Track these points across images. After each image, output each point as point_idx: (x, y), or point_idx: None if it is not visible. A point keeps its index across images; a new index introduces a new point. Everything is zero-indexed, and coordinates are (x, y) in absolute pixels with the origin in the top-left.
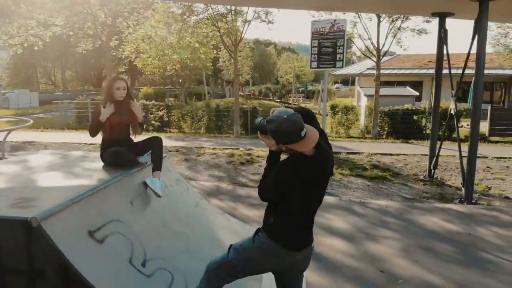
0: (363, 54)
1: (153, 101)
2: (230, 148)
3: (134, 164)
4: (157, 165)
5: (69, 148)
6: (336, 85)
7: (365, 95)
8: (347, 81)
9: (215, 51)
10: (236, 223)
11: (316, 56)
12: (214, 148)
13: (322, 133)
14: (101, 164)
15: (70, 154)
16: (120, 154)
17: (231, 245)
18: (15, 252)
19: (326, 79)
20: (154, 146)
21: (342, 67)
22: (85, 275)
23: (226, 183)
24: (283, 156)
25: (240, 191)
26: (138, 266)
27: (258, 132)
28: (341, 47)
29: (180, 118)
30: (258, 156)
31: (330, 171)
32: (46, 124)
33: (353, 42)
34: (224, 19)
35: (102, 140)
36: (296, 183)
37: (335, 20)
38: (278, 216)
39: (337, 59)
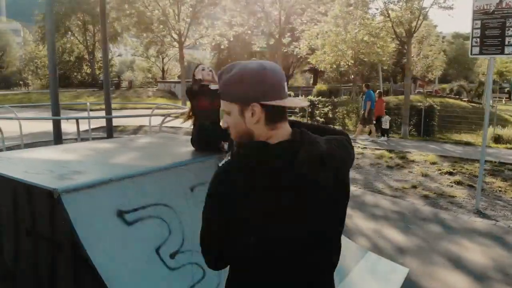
0: None
1: (320, 97)
2: (382, 149)
3: (219, 144)
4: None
5: None
6: None
7: None
8: None
9: (393, 45)
10: None
11: (478, 40)
12: (364, 148)
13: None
14: (192, 149)
15: (175, 138)
16: (207, 129)
17: None
18: (44, 220)
19: (491, 70)
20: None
21: None
22: (91, 254)
23: (357, 186)
24: None
25: (368, 197)
26: (163, 256)
27: None
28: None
29: (345, 115)
30: (413, 161)
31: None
32: None
33: None
34: (398, 8)
35: (193, 125)
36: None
37: None
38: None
39: (506, 43)
